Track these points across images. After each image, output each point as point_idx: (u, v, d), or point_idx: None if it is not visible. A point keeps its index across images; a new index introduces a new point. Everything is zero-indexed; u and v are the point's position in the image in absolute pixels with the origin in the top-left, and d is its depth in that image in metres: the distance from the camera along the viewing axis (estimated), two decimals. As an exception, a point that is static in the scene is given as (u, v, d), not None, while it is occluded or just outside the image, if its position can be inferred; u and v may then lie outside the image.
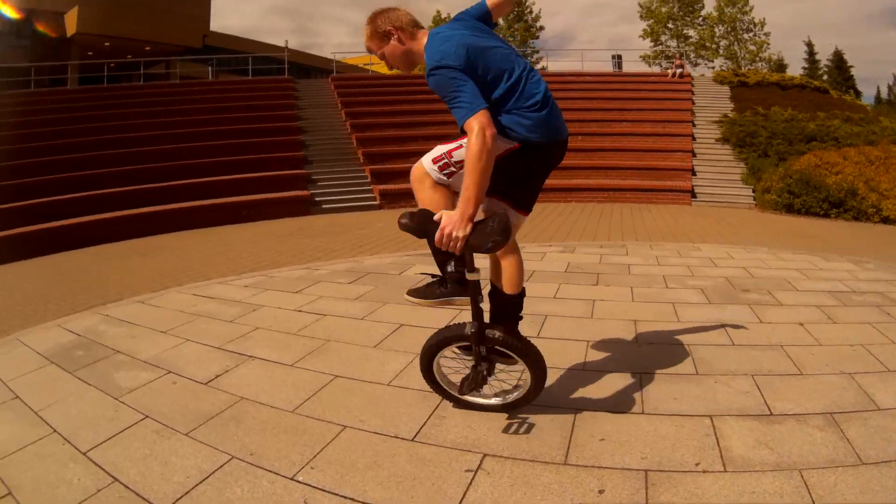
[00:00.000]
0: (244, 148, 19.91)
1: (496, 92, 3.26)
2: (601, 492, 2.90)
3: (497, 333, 3.49)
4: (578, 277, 7.47)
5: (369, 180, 19.51)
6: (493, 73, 3.27)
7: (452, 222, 2.98)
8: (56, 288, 9.06)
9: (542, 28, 56.37)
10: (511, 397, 3.68)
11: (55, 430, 3.76)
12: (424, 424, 3.59)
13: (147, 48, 38.30)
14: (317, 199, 17.80)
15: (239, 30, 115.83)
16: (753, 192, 19.53)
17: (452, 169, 3.46)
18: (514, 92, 3.29)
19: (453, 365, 3.79)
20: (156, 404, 4.02)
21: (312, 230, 13.76)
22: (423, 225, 3.13)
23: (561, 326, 5.43)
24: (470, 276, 3.37)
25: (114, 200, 15.50)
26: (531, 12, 55.26)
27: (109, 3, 35.30)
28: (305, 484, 3.03)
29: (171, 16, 38.18)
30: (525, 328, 5.19)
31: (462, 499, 2.86)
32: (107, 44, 36.45)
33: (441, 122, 22.93)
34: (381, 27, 3.42)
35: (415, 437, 3.46)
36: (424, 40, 3.40)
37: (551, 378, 4.09)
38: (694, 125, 24.10)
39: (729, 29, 53.75)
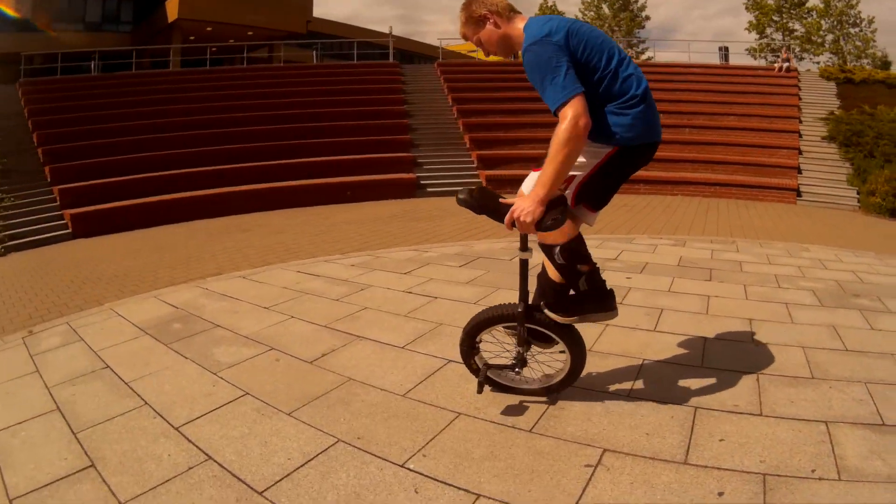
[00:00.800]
0: (350, 130, 20.12)
1: (594, 76, 3.16)
2: (721, 494, 2.77)
3: (540, 315, 3.46)
4: (692, 272, 7.17)
5: (475, 165, 19.44)
6: (593, 56, 3.16)
7: (523, 206, 2.99)
8: (157, 261, 9.21)
9: (648, 18, 55.34)
10: (552, 382, 3.58)
11: (146, 403, 3.72)
12: (543, 415, 3.37)
13: (249, 33, 39.26)
14: (422, 182, 17.85)
15: (342, 17, 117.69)
16: (858, 193, 18.87)
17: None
18: (614, 81, 3.18)
19: (491, 348, 3.70)
20: (257, 382, 3.92)
21: (418, 213, 13.78)
22: (482, 200, 3.22)
23: (677, 321, 5.13)
24: (521, 255, 3.41)
25: (217, 177, 15.95)
26: (636, 1, 54.31)
27: None
28: (416, 472, 2.89)
29: (274, 1, 38.97)
30: (642, 320, 5.34)
31: (581, 495, 2.70)
32: (209, 29, 37.37)
33: (546, 109, 22.70)
34: (476, 12, 3.33)
35: (532, 428, 3.27)
36: (522, 25, 3.31)
37: (671, 373, 4.07)
38: (801, 121, 23.21)
39: (835, 23, 52.16)
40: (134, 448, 3.18)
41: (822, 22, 52.11)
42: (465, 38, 3.44)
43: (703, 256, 8.06)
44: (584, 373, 3.82)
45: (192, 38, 36.93)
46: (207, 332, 5.10)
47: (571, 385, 3.51)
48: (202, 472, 2.88)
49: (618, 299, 5.55)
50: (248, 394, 3.70)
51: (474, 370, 3.60)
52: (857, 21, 51.73)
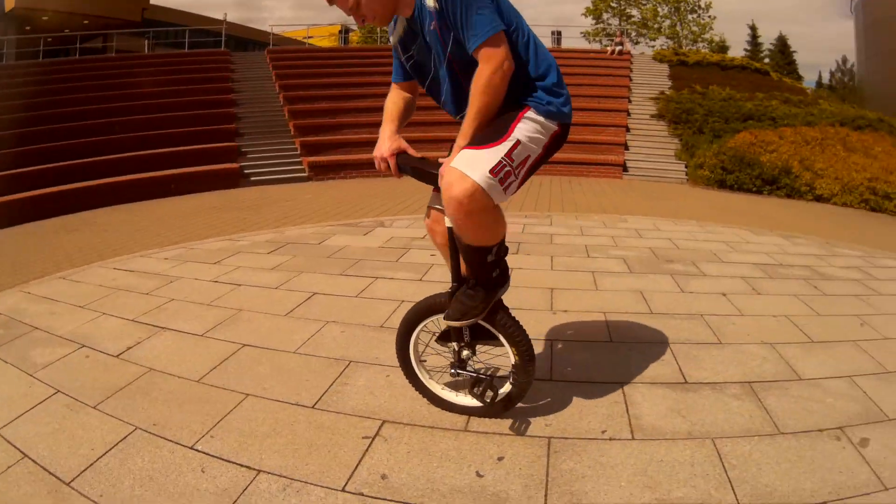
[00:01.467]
0: (176, 121, 19.58)
1: (519, 46, 2.83)
2: (500, 459, 2.92)
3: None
4: None
5: (299, 152, 19.39)
6: (512, 21, 2.81)
7: (449, 179, 2.63)
8: None
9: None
10: (495, 395, 3.15)
11: None
12: (326, 391, 3.61)
13: (85, 22, 37.44)
14: (246, 171, 17.67)
15: (180, 3, 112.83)
16: (686, 167, 19.75)
17: (513, 179, 2.78)
18: (536, 51, 2.89)
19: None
20: (68, 379, 3.97)
21: (239, 203, 13.68)
22: (417, 165, 2.93)
23: None
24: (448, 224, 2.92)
25: (42, 177, 15.18)
26: None
27: None
28: (204, 453, 3.01)
29: None
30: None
31: (357, 466, 2.87)
32: (45, 18, 35.68)
33: (373, 94, 22.89)
34: None
35: (315, 404, 3.47)
36: None
37: None
38: (630, 101, 24.40)
39: (673, 9, 54.22)
40: None
41: (659, 8, 54.19)
42: (338, 2, 2.76)
43: (513, 231, 8.44)
44: (370, 349, 4.19)
45: (27, 28, 35.04)
46: (26, 335, 4.94)
47: (521, 398, 3.22)
48: (19, 470, 2.97)
49: (418, 276, 6.00)
50: (59, 391, 3.76)
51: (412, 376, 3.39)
52: (696, 8, 54.13)
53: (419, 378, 3.36)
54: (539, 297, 5.40)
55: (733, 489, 2.68)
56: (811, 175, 16.59)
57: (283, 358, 4.13)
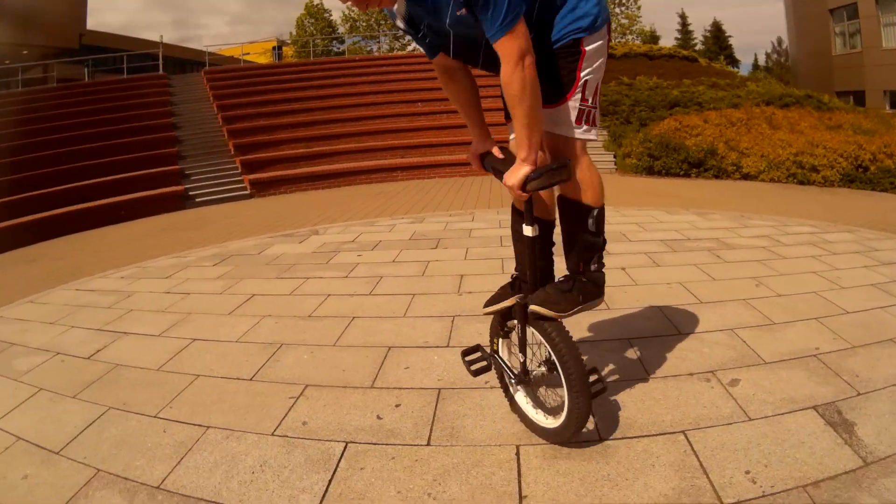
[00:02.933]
0: (118, 149, 19.72)
1: None
2: (398, 405, 3.67)
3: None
4: (420, 243, 8.31)
5: (240, 171, 19.74)
6: None
7: (515, 182, 2.68)
8: None
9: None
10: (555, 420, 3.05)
11: None
12: (261, 368, 4.37)
13: (24, 52, 36.57)
14: (190, 193, 17.92)
15: (116, 26, 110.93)
16: (615, 157, 20.18)
17: (594, 111, 2.90)
18: None
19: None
20: (48, 379, 4.59)
21: (185, 224, 14.02)
22: (498, 167, 2.88)
23: (392, 285, 6.29)
24: (527, 232, 2.89)
25: None
26: None
27: None
28: (164, 419, 3.74)
29: (45, 16, 36.77)
30: (361, 287, 6.36)
31: (284, 417, 3.63)
32: None
33: (307, 108, 23.81)
34: None
35: (253, 377, 4.24)
36: None
37: (374, 325, 5.09)
38: None
39: (601, 1, 55.52)
40: None
41: None
42: None
43: (436, 229, 9.12)
44: (299, 333, 4.96)
45: None
46: (5, 350, 5.50)
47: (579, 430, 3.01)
48: (15, 449, 3.59)
49: (344, 273, 6.75)
50: (42, 389, 4.40)
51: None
52: (623, 1, 55.33)
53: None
54: (450, 284, 6.22)
55: (596, 422, 3.26)
56: (737, 155, 16.98)
57: (227, 346, 4.88)
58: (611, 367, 3.96)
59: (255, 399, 3.95)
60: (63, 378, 4.63)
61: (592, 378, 2.87)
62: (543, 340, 2.91)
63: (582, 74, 2.76)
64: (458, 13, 2.47)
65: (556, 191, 2.97)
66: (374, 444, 3.30)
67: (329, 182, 19.36)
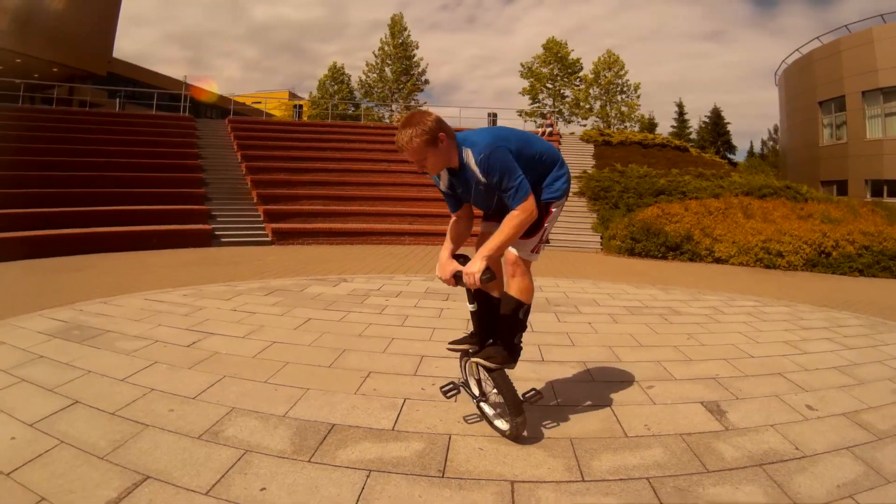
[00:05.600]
0: (150, 181, 21.06)
1: (535, 161, 4.04)
2: (433, 384, 5.04)
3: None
4: (434, 296, 9.97)
5: (262, 219, 21.00)
6: (524, 149, 3.97)
7: (473, 272, 3.79)
8: (3, 293, 9.86)
9: (427, 82, 59.41)
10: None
11: (90, 371, 5.39)
12: (334, 361, 5.94)
13: (55, 70, 38.24)
14: (216, 232, 19.05)
15: (132, 55, 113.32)
16: (601, 238, 21.97)
17: (542, 246, 4.24)
18: (544, 155, 4.11)
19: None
20: (159, 356, 5.90)
21: (217, 259, 15.04)
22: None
23: (417, 321, 7.89)
24: (470, 308, 4.25)
25: (30, 219, 16.31)
26: (418, 65, 58.36)
27: (24, 18, 35.20)
28: (273, 384, 5.23)
29: (78, 39, 38.13)
30: (393, 321, 7.85)
31: (360, 386, 5.11)
32: (18, 60, 36.34)
33: (324, 168, 25.78)
34: (434, 133, 3.69)
35: (330, 365, 5.85)
36: (457, 141, 3.87)
37: (406, 343, 6.66)
38: None
39: (603, 91, 57.84)
40: (101, 389, 4.97)
41: (591, 90, 56.95)
42: (411, 153, 3.72)
43: (446, 287, 10.43)
44: (357, 344, 6.53)
45: (0, 68, 35.60)
46: (104, 334, 6.66)
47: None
48: (153, 396, 4.82)
49: (378, 311, 8.34)
50: (157, 362, 5.68)
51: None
52: (625, 88, 57.59)
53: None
54: (462, 324, 7.53)
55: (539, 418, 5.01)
56: (710, 240, 18.82)
57: (302, 349, 6.47)
58: (570, 376, 5.81)
59: (337, 377, 5.54)
60: (172, 356, 5.96)
61: (530, 394, 4.32)
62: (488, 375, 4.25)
63: (546, 224, 4.12)
64: (480, 187, 3.89)
65: (507, 288, 4.17)
66: (424, 400, 5.01)
67: (343, 239, 20.79)
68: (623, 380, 5.69)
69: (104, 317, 7.66)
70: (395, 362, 6.07)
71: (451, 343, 4.57)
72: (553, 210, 4.18)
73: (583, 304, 9.55)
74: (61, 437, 4.03)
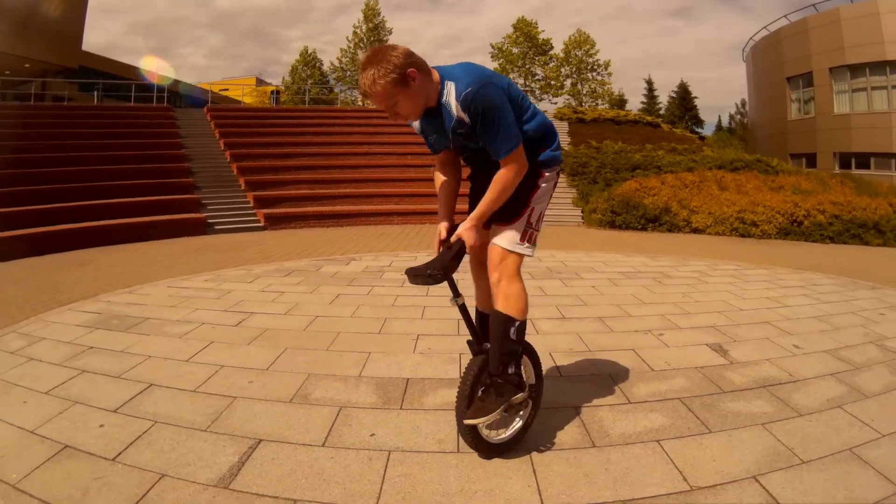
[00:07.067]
0: (136, 173, 21.02)
1: (528, 120, 3.47)
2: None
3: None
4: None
5: (252, 205, 21.19)
6: (519, 98, 3.41)
7: (471, 236, 3.39)
8: (19, 291, 9.55)
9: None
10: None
11: (150, 356, 5.60)
12: (382, 327, 6.45)
13: (27, 65, 37.88)
14: (209, 220, 19.17)
15: (98, 47, 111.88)
16: (582, 213, 22.79)
17: (536, 233, 3.61)
18: (536, 117, 3.53)
19: None
20: (213, 337, 6.24)
21: (218, 246, 15.38)
22: (444, 269, 3.38)
23: (442, 291, 8.21)
24: (458, 301, 3.63)
25: (20, 217, 16.03)
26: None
27: None
28: (336, 351, 5.72)
29: (48, 33, 37.80)
30: (419, 291, 8.34)
31: (414, 348, 5.61)
32: None
33: (308, 153, 26.18)
34: (402, 69, 3.03)
35: (380, 331, 6.31)
36: (437, 76, 3.24)
37: (440, 310, 7.17)
38: None
39: (574, 69, 58.52)
40: (170, 370, 5.25)
41: (562, 69, 57.91)
42: (377, 97, 3.09)
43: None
44: (395, 313, 7.01)
45: None
46: (145, 322, 6.88)
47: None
48: (227, 371, 5.22)
49: (399, 285, 8.88)
50: (213, 342, 6.05)
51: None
52: (595, 66, 58.43)
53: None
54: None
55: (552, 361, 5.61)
56: (688, 212, 19.72)
57: (345, 320, 7.02)
58: (591, 328, 6.71)
59: (390, 341, 6.14)
60: (226, 336, 6.31)
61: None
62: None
63: (533, 202, 3.54)
64: (458, 133, 3.31)
65: (493, 299, 3.58)
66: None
67: (334, 222, 21.11)
68: (637, 329, 6.67)
69: (137, 305, 7.89)
70: (437, 326, 6.67)
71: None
72: (542, 184, 3.60)
73: (582, 272, 10.50)
74: (153, 417, 4.28)
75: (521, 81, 58.19)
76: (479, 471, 3.51)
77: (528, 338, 5.56)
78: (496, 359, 3.47)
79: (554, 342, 6.13)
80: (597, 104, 55.80)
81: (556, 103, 56.24)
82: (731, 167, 24.29)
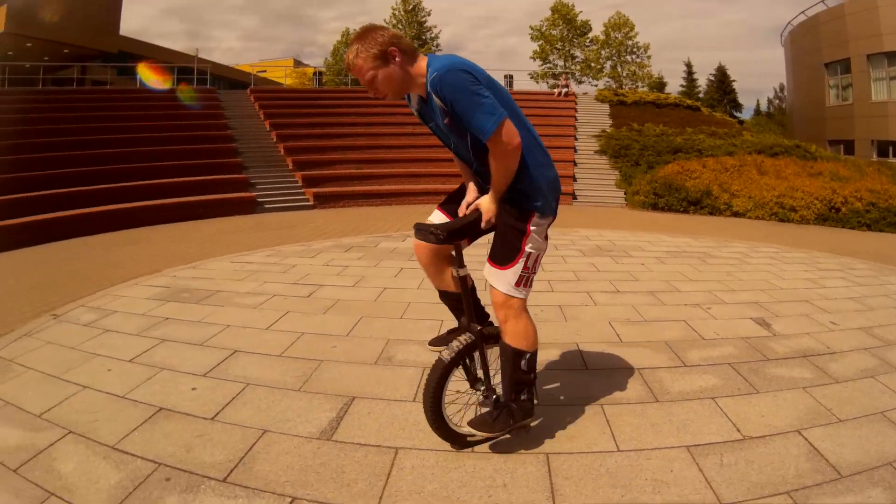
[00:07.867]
0: (184, 154, 21.40)
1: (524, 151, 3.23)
2: None
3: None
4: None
5: (300, 184, 21.40)
6: (500, 98, 3.16)
7: (490, 209, 3.30)
8: (80, 268, 9.90)
9: (439, 47, 60.25)
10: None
11: (229, 326, 5.99)
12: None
13: (66, 51, 38.47)
14: (259, 199, 19.46)
15: (131, 31, 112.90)
16: (625, 194, 22.68)
17: (531, 276, 3.46)
18: (536, 146, 3.39)
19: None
20: (288, 307, 6.63)
21: (269, 224, 15.54)
22: (450, 232, 3.32)
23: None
24: (461, 272, 3.57)
25: (73, 198, 16.46)
26: (430, 31, 59.81)
27: (33, 2, 35.20)
28: (411, 319, 6.02)
29: (86, 19, 38.17)
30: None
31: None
32: (29, 45, 36.49)
33: (353, 133, 26.27)
34: (383, 46, 3.11)
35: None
36: (424, 63, 3.22)
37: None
38: (576, 139, 27.68)
39: (614, 51, 58.19)
40: (249, 339, 5.55)
41: (602, 52, 57.42)
42: (357, 71, 3.17)
43: None
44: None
45: (10, 53, 35.87)
46: (215, 294, 7.21)
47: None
48: (305, 338, 5.64)
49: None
50: (288, 312, 6.43)
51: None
52: (635, 48, 57.98)
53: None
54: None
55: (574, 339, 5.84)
56: (728, 196, 19.68)
57: (413, 292, 7.45)
58: (645, 301, 7.18)
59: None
60: (300, 306, 6.70)
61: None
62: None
63: (526, 245, 3.38)
64: (445, 122, 3.22)
65: (503, 335, 3.50)
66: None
67: (381, 200, 21.31)
68: (686, 303, 7.14)
69: (204, 279, 8.18)
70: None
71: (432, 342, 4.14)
72: (532, 228, 3.40)
73: (630, 250, 10.91)
74: (244, 380, 4.58)
75: (560, 63, 58.17)
76: (561, 420, 4.01)
77: (585, 308, 6.45)
78: (508, 388, 3.54)
79: (613, 312, 6.60)
80: (637, 87, 55.30)
81: (596, 85, 55.43)
82: (771, 152, 23.98)
